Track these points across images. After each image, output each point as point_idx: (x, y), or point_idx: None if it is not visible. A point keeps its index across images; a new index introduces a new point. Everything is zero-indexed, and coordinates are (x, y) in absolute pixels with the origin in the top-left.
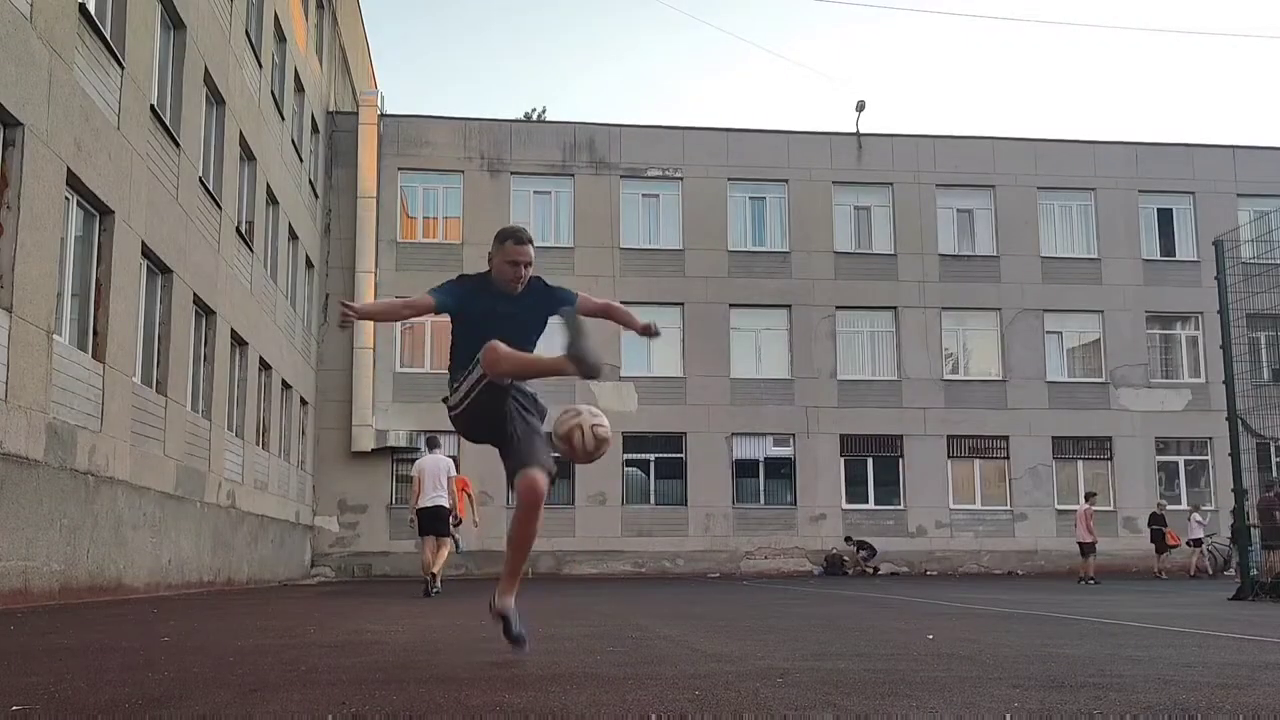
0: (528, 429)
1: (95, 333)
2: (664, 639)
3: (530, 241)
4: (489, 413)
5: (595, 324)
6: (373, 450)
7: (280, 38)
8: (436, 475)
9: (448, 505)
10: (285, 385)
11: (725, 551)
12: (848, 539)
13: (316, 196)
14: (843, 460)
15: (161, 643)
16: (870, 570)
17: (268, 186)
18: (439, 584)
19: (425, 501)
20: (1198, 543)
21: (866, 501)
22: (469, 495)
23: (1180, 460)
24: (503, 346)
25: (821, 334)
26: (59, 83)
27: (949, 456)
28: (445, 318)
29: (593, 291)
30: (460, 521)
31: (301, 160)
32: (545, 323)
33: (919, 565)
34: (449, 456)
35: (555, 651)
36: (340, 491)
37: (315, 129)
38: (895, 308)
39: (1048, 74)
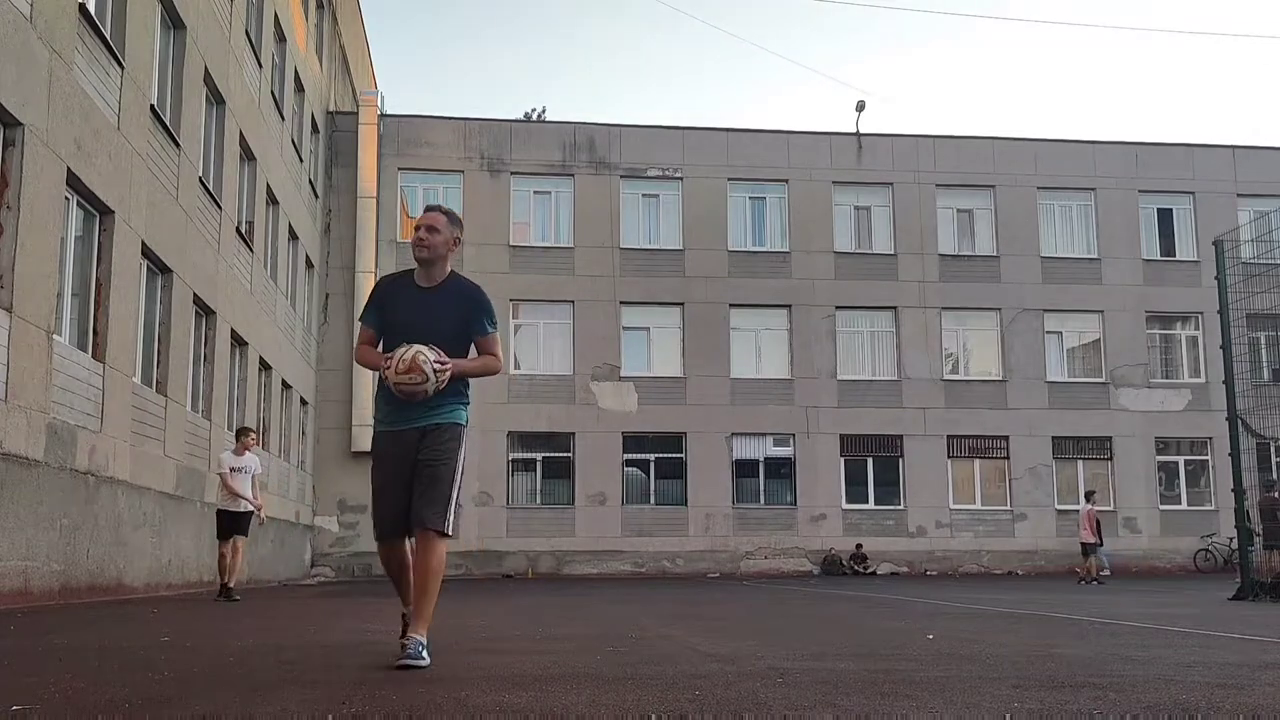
0: (429, 475)
1: (95, 333)
2: (664, 639)
3: (440, 210)
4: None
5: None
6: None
7: (280, 38)
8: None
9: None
10: (285, 385)
11: (725, 551)
12: (858, 546)
13: (316, 196)
14: (843, 460)
15: (161, 643)
16: (864, 570)
17: (268, 186)
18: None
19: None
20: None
21: (866, 501)
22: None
23: (1180, 460)
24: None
25: (821, 334)
26: (59, 83)
27: (949, 456)
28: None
29: (593, 291)
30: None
31: (301, 160)
32: (465, 325)
33: (919, 565)
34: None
35: (555, 651)
36: (340, 491)
37: (315, 129)
38: (895, 308)
39: (1048, 74)
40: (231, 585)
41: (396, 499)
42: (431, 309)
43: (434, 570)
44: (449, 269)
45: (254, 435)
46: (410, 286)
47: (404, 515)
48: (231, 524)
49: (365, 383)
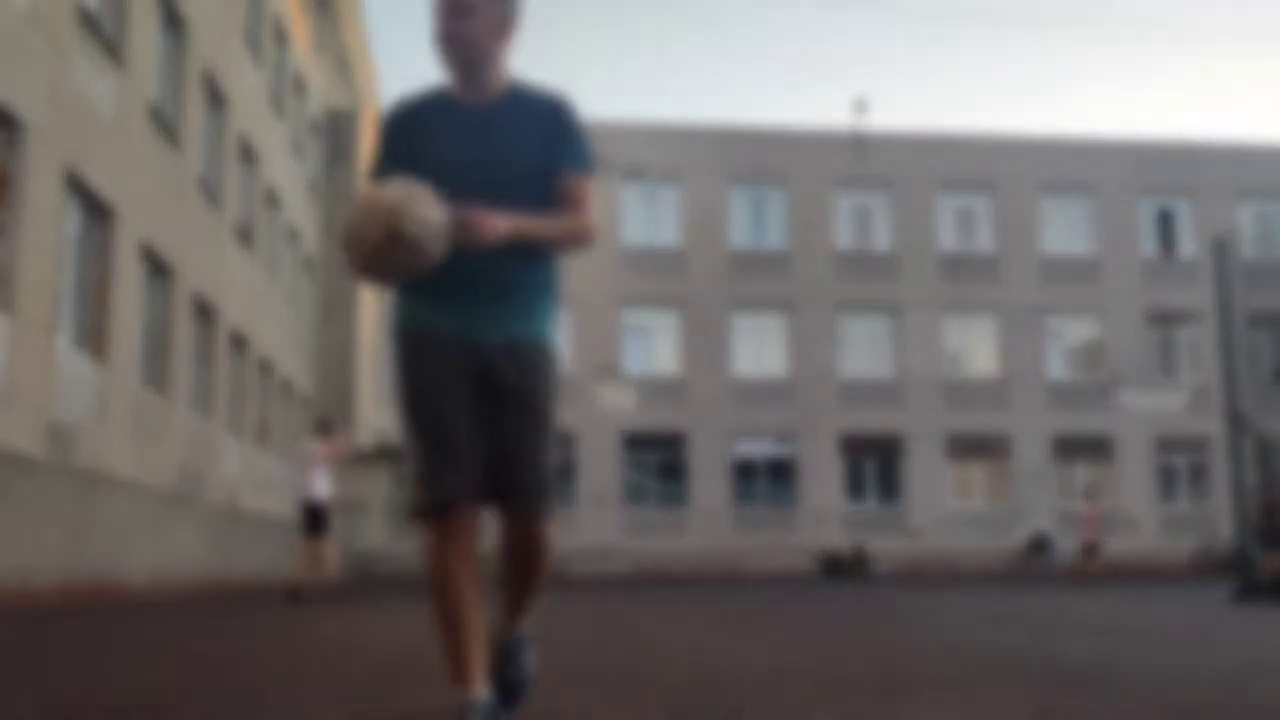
0: (529, 421)
1: (95, 333)
2: (663, 639)
3: None
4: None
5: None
6: (373, 449)
7: (280, 38)
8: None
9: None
10: (286, 385)
11: (725, 551)
12: (858, 546)
13: (316, 197)
14: (843, 460)
15: (162, 643)
16: (864, 570)
17: (268, 186)
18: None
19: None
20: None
21: (866, 501)
22: None
23: (1180, 460)
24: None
25: (821, 334)
26: (59, 83)
27: (949, 456)
28: None
29: (594, 291)
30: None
31: (302, 160)
32: (545, 158)
33: (919, 565)
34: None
35: (555, 651)
36: (340, 491)
37: (315, 129)
38: (895, 308)
39: (1048, 74)
40: (301, 587)
41: (468, 436)
42: (491, 135)
43: (546, 566)
44: (507, 73)
45: (335, 429)
46: (447, 107)
47: (479, 468)
48: (315, 519)
49: (364, 381)
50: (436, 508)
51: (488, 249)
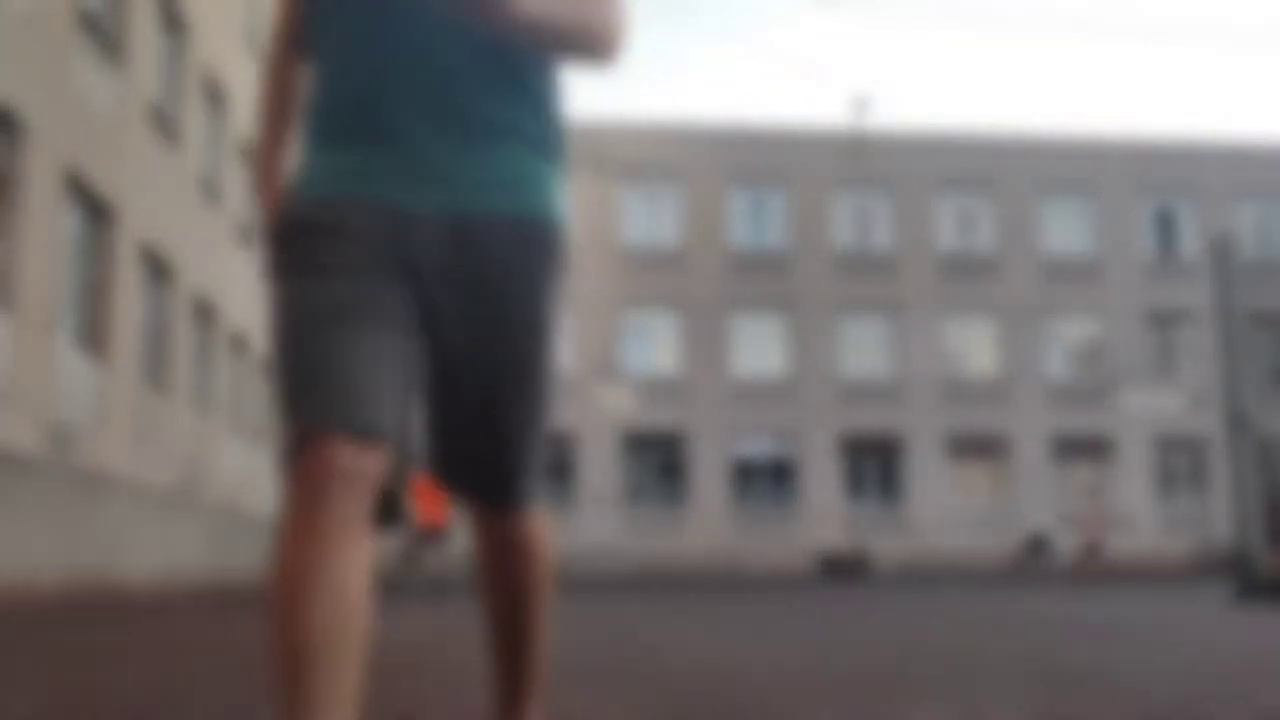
0: (512, 373)
1: (95, 333)
2: (663, 639)
3: None
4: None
5: None
6: None
7: None
8: None
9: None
10: None
11: (725, 551)
12: (858, 546)
13: None
14: (843, 460)
15: (161, 643)
16: (864, 570)
17: None
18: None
19: None
20: None
21: (866, 501)
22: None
23: (1180, 460)
24: None
25: (821, 334)
26: (59, 83)
27: (949, 456)
28: None
29: (594, 291)
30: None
31: None
32: None
33: (919, 565)
34: None
35: (555, 651)
36: None
37: None
38: (895, 308)
39: (1048, 74)
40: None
41: (372, 350)
42: None
43: (540, 579)
44: None
45: None
46: None
47: (383, 389)
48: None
49: None
50: (319, 423)
51: (488, 33)
